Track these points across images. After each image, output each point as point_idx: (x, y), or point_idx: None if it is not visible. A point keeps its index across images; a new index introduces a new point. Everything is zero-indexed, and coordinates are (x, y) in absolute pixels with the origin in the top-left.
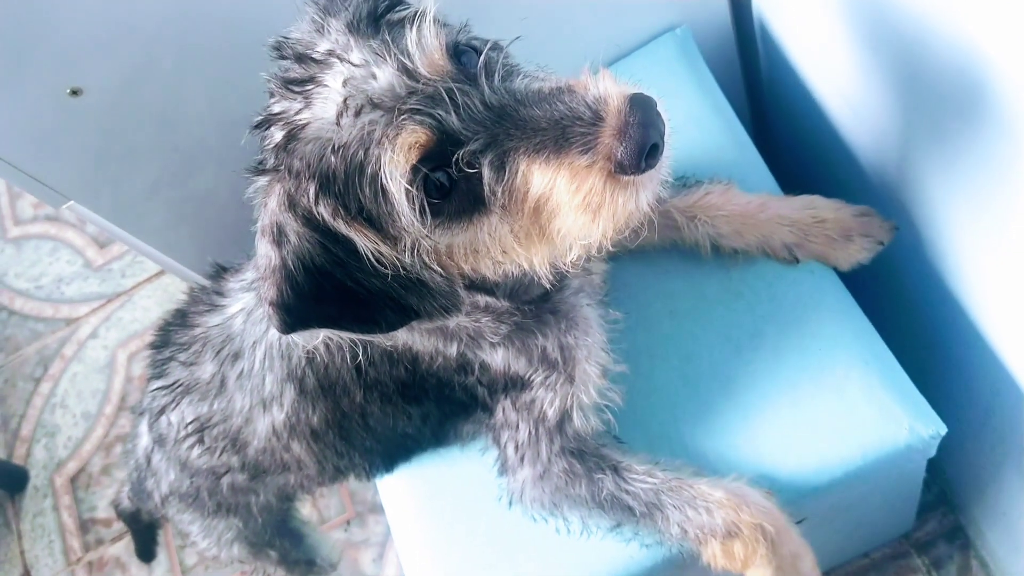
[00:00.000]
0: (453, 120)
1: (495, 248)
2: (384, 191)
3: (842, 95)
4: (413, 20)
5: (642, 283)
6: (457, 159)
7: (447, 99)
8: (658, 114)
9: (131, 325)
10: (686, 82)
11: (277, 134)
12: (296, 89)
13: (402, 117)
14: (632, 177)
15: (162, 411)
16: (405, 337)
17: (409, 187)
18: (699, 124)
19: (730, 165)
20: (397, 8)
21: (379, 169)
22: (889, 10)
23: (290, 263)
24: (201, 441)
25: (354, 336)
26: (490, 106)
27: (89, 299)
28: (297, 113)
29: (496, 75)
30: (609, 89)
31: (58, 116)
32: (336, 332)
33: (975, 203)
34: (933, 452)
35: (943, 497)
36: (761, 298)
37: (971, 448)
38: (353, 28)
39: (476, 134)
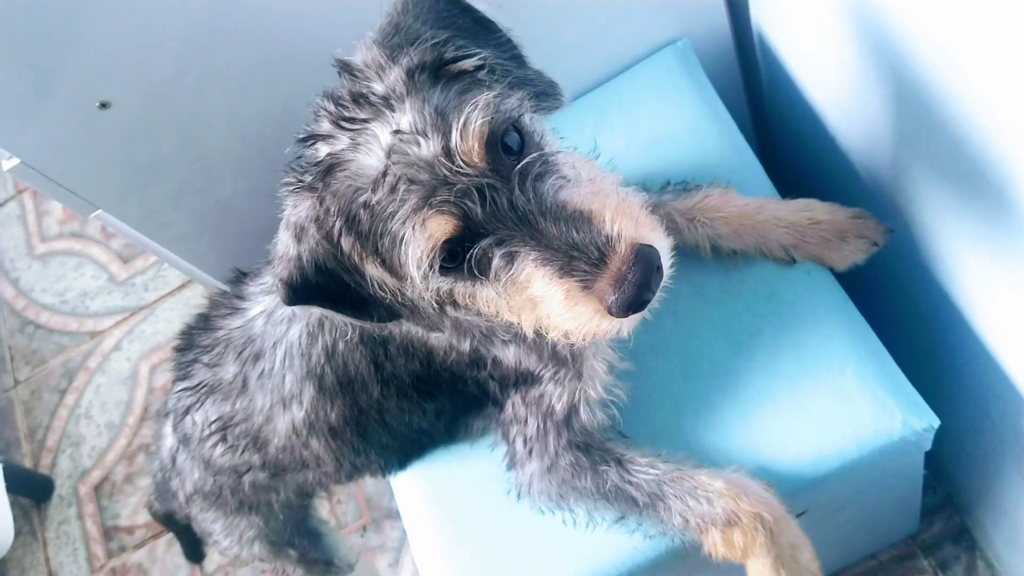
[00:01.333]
0: (478, 212)
1: (490, 307)
2: (401, 255)
3: (836, 102)
4: (466, 98)
5: None
6: (473, 255)
7: (476, 193)
8: (657, 268)
9: (153, 337)
10: (687, 92)
11: (322, 151)
12: (347, 126)
13: (430, 212)
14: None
15: (187, 411)
16: (420, 332)
17: (426, 263)
18: (699, 132)
19: (729, 170)
20: (463, 58)
21: (400, 237)
22: (874, 21)
23: (304, 258)
24: (224, 440)
25: (348, 320)
26: (515, 207)
27: (113, 313)
28: (342, 149)
29: (529, 179)
30: (622, 231)
31: (88, 128)
32: (332, 312)
33: (961, 205)
34: (928, 445)
35: (949, 499)
36: (759, 297)
37: (972, 447)
38: (412, 76)
39: (496, 230)
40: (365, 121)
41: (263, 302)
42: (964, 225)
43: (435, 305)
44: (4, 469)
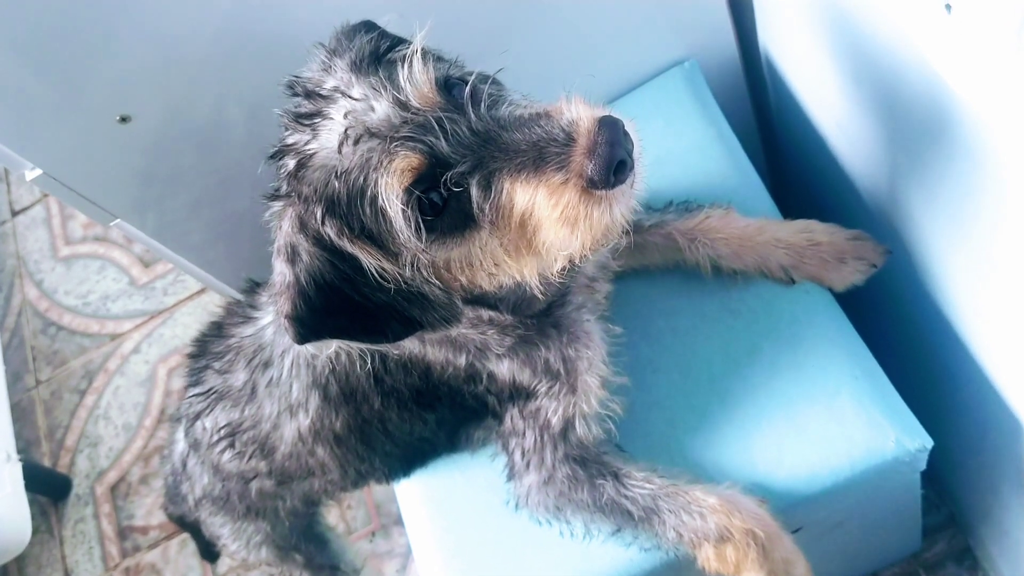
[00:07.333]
0: (442, 145)
1: (487, 261)
2: (383, 211)
3: (838, 126)
4: (406, 58)
5: (646, 301)
6: (446, 180)
7: (436, 127)
8: (625, 134)
9: (172, 341)
10: (692, 113)
11: (290, 163)
12: (305, 122)
13: (395, 144)
14: (604, 192)
15: (197, 416)
16: (417, 348)
17: (404, 207)
18: (704, 153)
19: (732, 191)
20: (398, 48)
21: (377, 191)
22: (873, 46)
23: (303, 279)
24: (232, 446)
25: (363, 346)
26: (476, 132)
27: (133, 316)
28: (306, 144)
29: (482, 104)
30: (580, 113)
31: (108, 142)
32: (347, 342)
33: (957, 228)
34: (922, 465)
35: (951, 518)
36: (758, 316)
37: (972, 467)
38: (356, 67)
39: (464, 157)
40: (320, 111)
41: (273, 312)
42: (961, 247)
43: (439, 286)
44: (24, 467)
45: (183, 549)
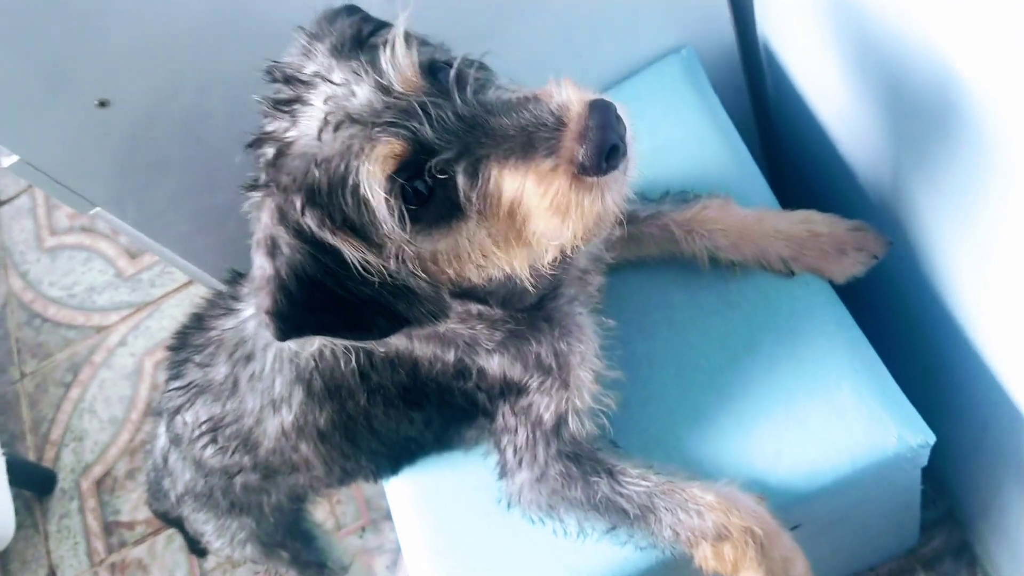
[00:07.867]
0: (427, 131)
1: (475, 253)
2: (365, 201)
3: (839, 115)
4: (388, 41)
5: (642, 293)
6: (430, 167)
7: (420, 112)
8: (618, 118)
9: (158, 334)
10: (690, 101)
11: (268, 152)
12: (284, 109)
13: (377, 130)
14: (595, 178)
15: (178, 411)
16: (404, 344)
17: (387, 196)
18: (701, 142)
19: (730, 180)
20: (381, 32)
21: (359, 180)
22: (877, 34)
23: (283, 273)
24: (214, 441)
25: (348, 342)
26: (462, 117)
27: (119, 308)
28: (285, 131)
29: (468, 88)
30: (571, 96)
31: (86, 127)
32: (331, 339)
33: (960, 219)
34: (924, 461)
35: (950, 513)
36: (757, 309)
37: (972, 463)
38: (337, 51)
39: (449, 143)
40: (300, 97)
41: (255, 305)
42: (964, 238)
43: (426, 279)
44: (8, 462)
45: (170, 544)
